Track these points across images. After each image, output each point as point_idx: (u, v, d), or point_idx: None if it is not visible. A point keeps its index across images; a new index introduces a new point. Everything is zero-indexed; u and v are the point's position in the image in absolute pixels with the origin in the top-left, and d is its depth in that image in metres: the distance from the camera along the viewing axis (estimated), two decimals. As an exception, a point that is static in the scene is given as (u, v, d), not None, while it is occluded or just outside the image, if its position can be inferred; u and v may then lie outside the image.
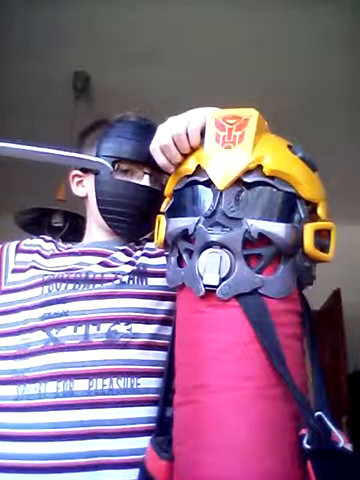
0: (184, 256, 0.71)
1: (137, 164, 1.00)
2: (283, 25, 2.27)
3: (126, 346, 0.88)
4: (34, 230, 2.50)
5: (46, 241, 1.07)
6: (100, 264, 0.97)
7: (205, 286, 0.66)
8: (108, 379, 0.85)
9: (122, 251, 1.00)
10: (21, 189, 3.01)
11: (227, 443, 0.62)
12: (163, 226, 0.75)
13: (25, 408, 0.84)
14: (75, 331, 0.88)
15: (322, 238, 0.69)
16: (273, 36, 2.31)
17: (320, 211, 0.70)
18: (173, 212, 0.75)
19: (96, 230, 1.06)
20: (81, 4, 2.19)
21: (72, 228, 2.41)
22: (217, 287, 0.65)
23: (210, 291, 0.66)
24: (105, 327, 0.88)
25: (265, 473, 0.61)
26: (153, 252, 1.00)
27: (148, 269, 0.97)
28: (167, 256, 0.76)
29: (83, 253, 1.00)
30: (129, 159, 1.00)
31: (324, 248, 0.69)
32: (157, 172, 0.98)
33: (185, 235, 0.70)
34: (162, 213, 0.78)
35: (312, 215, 0.69)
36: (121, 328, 0.89)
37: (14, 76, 2.61)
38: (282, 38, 2.33)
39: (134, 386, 0.86)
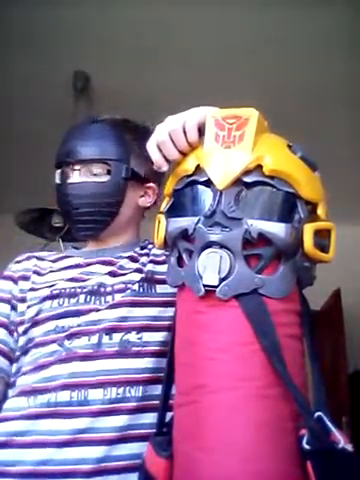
0: (184, 256, 0.71)
1: (67, 164, 1.00)
2: (283, 25, 2.27)
3: (138, 355, 0.89)
4: (34, 230, 2.50)
5: (40, 259, 1.04)
6: (109, 274, 0.97)
7: (205, 286, 0.66)
8: (122, 388, 0.86)
9: (128, 258, 1.00)
10: (21, 189, 3.01)
11: (226, 443, 0.62)
12: (163, 226, 0.75)
13: (37, 416, 0.84)
14: (89, 340, 0.88)
15: (322, 238, 0.69)
16: (273, 36, 2.31)
17: (320, 211, 0.69)
18: (173, 212, 0.75)
19: None
20: (81, 4, 2.19)
21: (72, 228, 2.41)
22: (217, 287, 0.65)
23: (210, 291, 0.66)
24: (117, 336, 0.89)
25: (264, 473, 0.61)
26: (160, 258, 1.00)
27: (156, 276, 0.97)
28: (167, 256, 0.76)
29: (88, 265, 1.00)
30: (61, 161, 1.01)
31: (324, 248, 0.69)
32: (92, 163, 0.99)
33: (185, 235, 0.70)
34: (162, 213, 0.77)
35: (312, 215, 0.68)
36: (132, 337, 0.90)
37: (14, 76, 2.61)
38: (282, 38, 2.32)
39: (141, 394, 0.87)
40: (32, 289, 0.97)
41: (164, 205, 0.78)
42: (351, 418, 2.92)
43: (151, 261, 1.00)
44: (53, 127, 2.81)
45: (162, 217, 0.76)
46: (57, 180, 1.02)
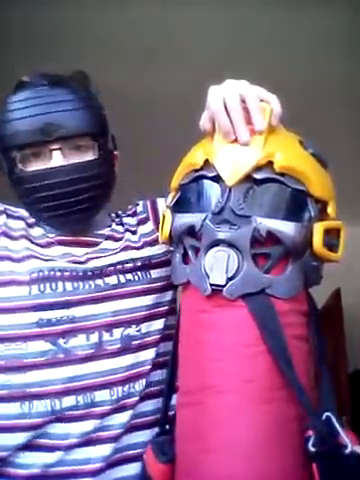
0: (190, 253, 0.70)
1: (37, 145, 0.81)
2: (283, 25, 2.26)
3: (140, 348, 0.86)
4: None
5: (11, 217, 0.87)
6: (90, 257, 0.87)
7: (211, 285, 0.65)
8: (127, 385, 0.84)
9: (109, 238, 0.91)
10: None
11: (231, 444, 0.62)
12: (169, 221, 0.73)
13: (42, 425, 0.80)
14: (88, 340, 0.82)
15: (331, 237, 0.67)
16: (273, 36, 2.31)
17: (330, 210, 0.68)
18: (179, 207, 0.73)
19: None
20: (81, 4, 2.18)
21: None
22: (224, 286, 0.64)
23: (216, 290, 0.65)
24: (118, 332, 0.84)
25: (269, 474, 0.61)
26: (150, 238, 0.93)
27: (153, 261, 0.91)
28: (171, 252, 0.75)
29: (60, 243, 0.88)
30: (23, 144, 0.81)
31: (332, 247, 0.68)
32: (75, 138, 0.82)
33: (191, 231, 0.69)
34: (168, 207, 0.75)
35: (322, 214, 0.67)
36: (133, 331, 0.85)
37: (14, 76, 2.60)
38: (282, 38, 2.32)
39: (144, 386, 0.86)
40: (5, 258, 0.83)
41: (170, 199, 0.76)
42: (351, 417, 2.92)
43: (145, 243, 0.91)
44: (53, 127, 2.81)
45: (168, 211, 0.74)
46: (22, 167, 0.82)
